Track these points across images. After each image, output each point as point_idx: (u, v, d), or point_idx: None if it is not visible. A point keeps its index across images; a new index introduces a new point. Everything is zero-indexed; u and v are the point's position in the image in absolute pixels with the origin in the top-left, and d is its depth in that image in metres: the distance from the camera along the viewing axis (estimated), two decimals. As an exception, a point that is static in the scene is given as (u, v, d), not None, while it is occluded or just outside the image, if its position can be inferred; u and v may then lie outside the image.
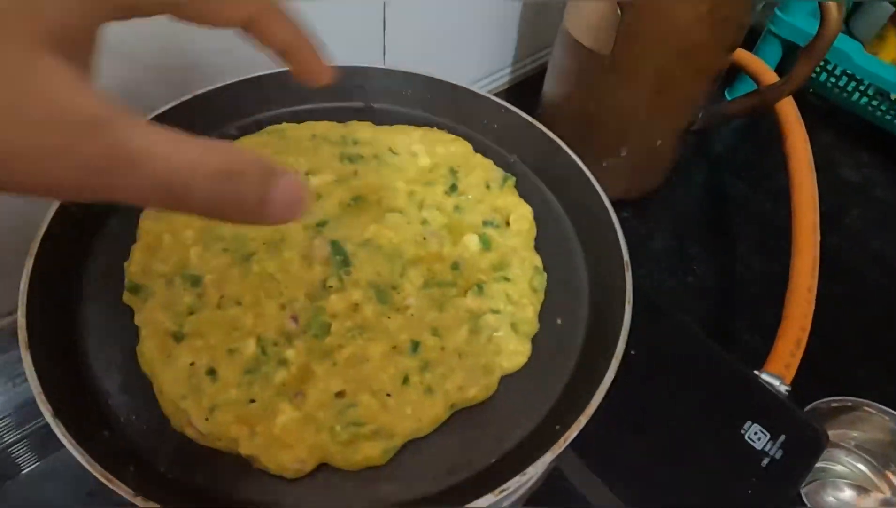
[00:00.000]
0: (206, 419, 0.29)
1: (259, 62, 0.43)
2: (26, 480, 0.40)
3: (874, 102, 0.72)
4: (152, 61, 0.43)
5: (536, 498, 0.38)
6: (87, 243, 0.36)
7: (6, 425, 0.41)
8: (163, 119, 0.40)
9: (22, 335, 0.29)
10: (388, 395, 0.31)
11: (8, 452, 0.41)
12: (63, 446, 0.26)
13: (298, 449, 0.29)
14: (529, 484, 0.35)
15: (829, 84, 0.75)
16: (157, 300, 0.33)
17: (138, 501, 0.25)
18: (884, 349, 0.55)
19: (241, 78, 0.44)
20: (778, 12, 0.73)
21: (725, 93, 0.80)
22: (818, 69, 0.74)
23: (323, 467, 0.29)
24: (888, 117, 0.72)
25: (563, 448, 0.28)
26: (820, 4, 0.47)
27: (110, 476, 0.25)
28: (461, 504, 0.27)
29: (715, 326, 0.57)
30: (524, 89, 0.77)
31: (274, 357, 0.31)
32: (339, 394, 0.31)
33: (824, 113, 0.77)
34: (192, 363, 0.31)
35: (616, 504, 0.38)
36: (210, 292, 0.33)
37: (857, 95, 0.73)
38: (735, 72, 0.73)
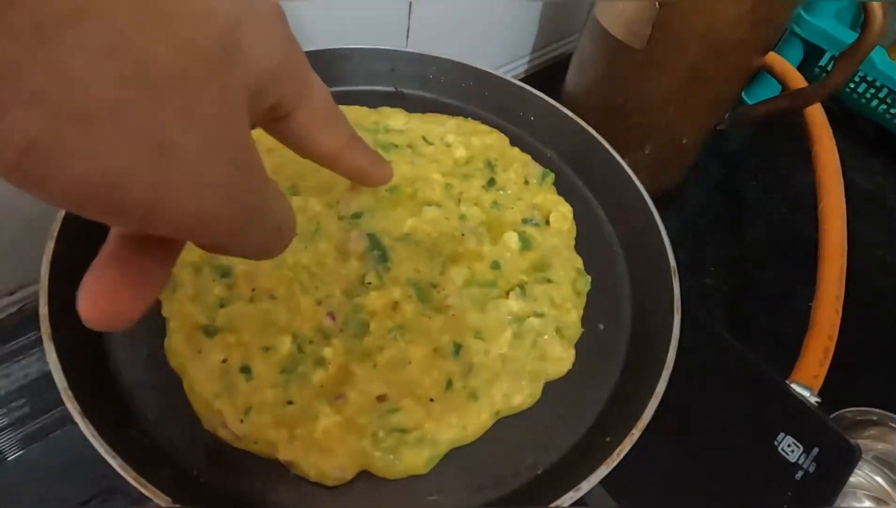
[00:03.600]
0: (242, 421, 0.27)
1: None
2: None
3: (893, 110, 0.72)
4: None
5: None
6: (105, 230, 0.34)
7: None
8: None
9: (45, 326, 0.27)
10: (432, 400, 0.29)
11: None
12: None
13: (339, 456, 0.27)
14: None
15: (847, 89, 0.74)
16: (185, 291, 0.31)
17: (176, 510, 0.23)
18: (886, 355, 0.55)
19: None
20: (802, 13, 0.72)
21: (743, 94, 0.79)
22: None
23: (363, 474, 0.28)
24: (904, 124, 0.72)
25: (616, 462, 0.27)
26: (864, 6, 0.46)
27: (144, 482, 0.24)
28: (511, 517, 0.26)
29: (733, 328, 0.56)
30: (542, 79, 0.75)
31: (311, 356, 0.30)
32: (381, 398, 0.29)
33: (839, 118, 0.77)
34: (224, 360, 0.29)
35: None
36: (241, 283, 0.31)
37: (875, 101, 0.73)
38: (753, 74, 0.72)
